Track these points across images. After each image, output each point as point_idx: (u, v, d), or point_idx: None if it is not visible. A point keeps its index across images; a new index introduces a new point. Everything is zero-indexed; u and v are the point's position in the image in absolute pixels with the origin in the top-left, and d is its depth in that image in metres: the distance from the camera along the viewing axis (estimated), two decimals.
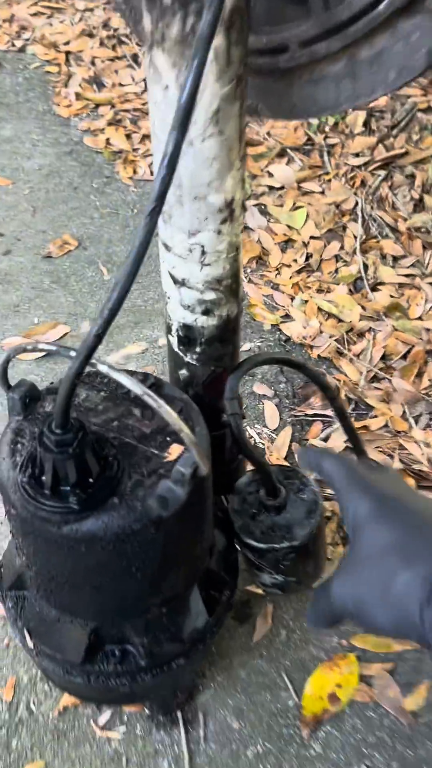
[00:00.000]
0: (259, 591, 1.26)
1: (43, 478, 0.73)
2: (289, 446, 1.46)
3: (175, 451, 0.79)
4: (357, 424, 1.48)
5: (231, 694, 1.15)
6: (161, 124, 0.74)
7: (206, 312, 0.86)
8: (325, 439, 1.47)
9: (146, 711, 1.13)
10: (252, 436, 1.48)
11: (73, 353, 0.93)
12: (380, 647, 1.20)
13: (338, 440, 1.45)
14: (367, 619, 0.52)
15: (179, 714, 1.12)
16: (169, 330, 0.95)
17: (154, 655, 0.88)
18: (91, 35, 2.81)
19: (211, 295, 0.84)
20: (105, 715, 1.13)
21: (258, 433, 1.49)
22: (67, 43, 2.76)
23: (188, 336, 0.93)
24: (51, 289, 1.81)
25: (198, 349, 0.90)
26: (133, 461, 0.78)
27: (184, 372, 0.97)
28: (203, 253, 0.83)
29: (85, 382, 0.87)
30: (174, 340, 0.95)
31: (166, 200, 0.83)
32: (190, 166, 0.76)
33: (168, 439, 0.80)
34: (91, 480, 0.73)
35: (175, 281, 0.88)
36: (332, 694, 1.14)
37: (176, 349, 0.96)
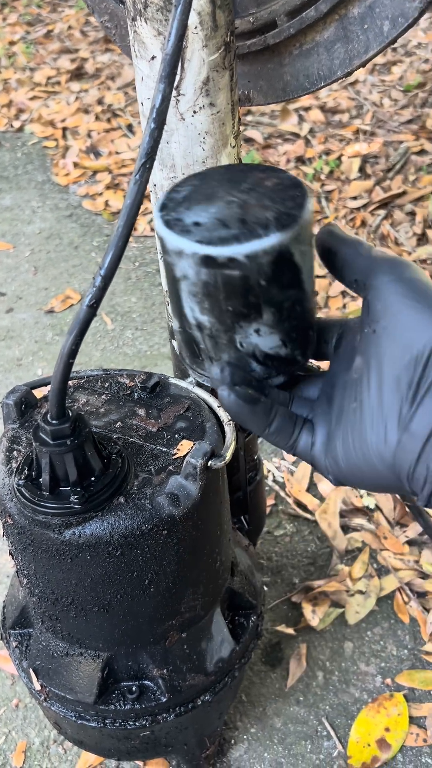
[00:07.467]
0: (290, 631, 1.15)
1: (41, 479, 0.66)
2: (311, 478, 1.38)
3: (185, 446, 0.72)
4: None
5: (267, 746, 1.03)
6: (149, 102, 0.71)
7: None
8: None
9: None
10: (270, 470, 1.40)
11: (82, 372, 0.87)
12: (430, 684, 1.08)
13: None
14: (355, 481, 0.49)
15: None
16: (172, 334, 0.89)
17: (175, 690, 0.78)
18: (86, 111, 2.89)
19: None
20: None
21: (276, 467, 1.41)
22: (63, 120, 2.84)
23: None
24: (54, 341, 1.78)
25: None
26: (140, 460, 0.71)
27: (191, 380, 0.91)
28: None
29: (85, 387, 0.81)
30: (177, 345, 0.89)
31: (160, 186, 0.80)
32: (182, 142, 0.72)
33: (177, 436, 0.74)
34: (93, 478, 0.66)
35: None
36: (381, 739, 1.02)
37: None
